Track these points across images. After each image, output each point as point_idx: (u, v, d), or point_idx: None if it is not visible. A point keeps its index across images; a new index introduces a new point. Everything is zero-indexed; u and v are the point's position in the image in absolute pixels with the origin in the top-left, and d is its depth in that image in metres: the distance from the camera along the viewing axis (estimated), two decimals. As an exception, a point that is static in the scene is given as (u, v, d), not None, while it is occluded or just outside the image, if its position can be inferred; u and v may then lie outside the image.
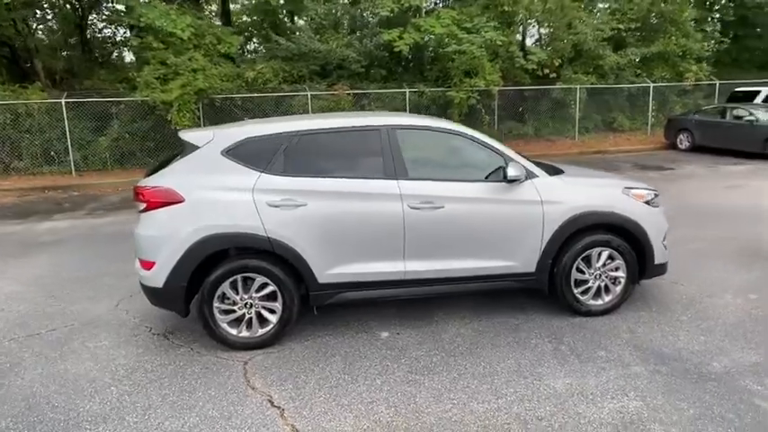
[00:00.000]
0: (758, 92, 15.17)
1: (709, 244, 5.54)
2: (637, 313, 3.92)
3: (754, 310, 3.94)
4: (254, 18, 19.42)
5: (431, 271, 3.68)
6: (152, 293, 3.58)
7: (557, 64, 16.14)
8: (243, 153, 3.55)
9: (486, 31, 14.34)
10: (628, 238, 3.85)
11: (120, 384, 3.20)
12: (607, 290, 3.91)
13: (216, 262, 3.47)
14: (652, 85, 17.15)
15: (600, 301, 3.91)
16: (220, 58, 14.39)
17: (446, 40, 14.46)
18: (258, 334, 3.58)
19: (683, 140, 14.58)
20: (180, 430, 2.73)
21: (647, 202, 3.95)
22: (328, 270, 3.55)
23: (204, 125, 12.76)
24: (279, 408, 2.91)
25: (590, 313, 3.88)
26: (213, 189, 3.47)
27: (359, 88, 15.19)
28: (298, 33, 15.43)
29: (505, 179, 3.61)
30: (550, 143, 16.31)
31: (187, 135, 3.68)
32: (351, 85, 14.94)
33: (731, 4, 18.94)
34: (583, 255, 3.80)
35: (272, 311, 3.58)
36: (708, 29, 18.04)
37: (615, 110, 17.77)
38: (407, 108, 15.17)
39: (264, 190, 3.48)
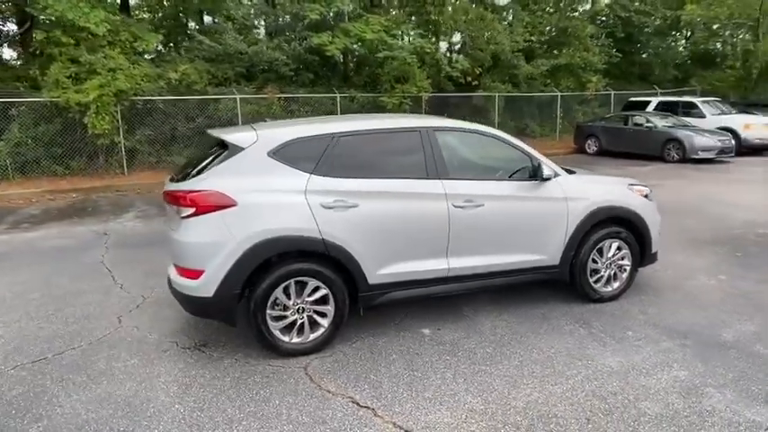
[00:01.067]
0: (649, 101, 17.27)
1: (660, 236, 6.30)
2: (639, 297, 4.40)
3: (729, 288, 4.60)
4: (159, 15, 18.25)
5: (471, 267, 3.84)
6: (198, 304, 3.36)
7: (477, 72, 17.16)
8: (289, 154, 3.46)
9: (413, 39, 14.86)
10: (632, 230, 4.31)
11: (184, 402, 2.98)
12: (615, 277, 4.34)
13: (267, 267, 3.35)
14: (560, 94, 18.82)
15: (609, 288, 4.33)
16: (137, 56, 13.38)
17: (377, 45, 14.74)
18: (310, 339, 3.50)
19: (591, 145, 16.18)
20: (278, 441, 2.63)
21: (646, 197, 4.45)
22: (378, 270, 3.58)
23: (124, 130, 11.82)
24: (368, 408, 2.90)
25: (602, 299, 4.29)
26: (265, 192, 3.35)
27: (287, 92, 14.95)
28: (224, 34, 14.79)
29: (541, 178, 3.89)
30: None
31: (230, 136, 3.50)
32: (279, 89, 14.68)
33: (619, 22, 21.31)
34: (597, 246, 4.19)
35: (322, 315, 3.52)
36: (602, 44, 20.12)
37: (527, 117, 19.23)
38: (338, 112, 15.22)
39: (316, 191, 3.42)
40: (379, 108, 15.54)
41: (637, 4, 21.23)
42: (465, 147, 4.05)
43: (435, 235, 3.70)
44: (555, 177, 4.03)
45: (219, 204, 3.24)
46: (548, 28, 18.73)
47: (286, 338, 3.45)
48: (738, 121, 15.09)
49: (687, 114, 15.86)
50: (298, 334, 3.47)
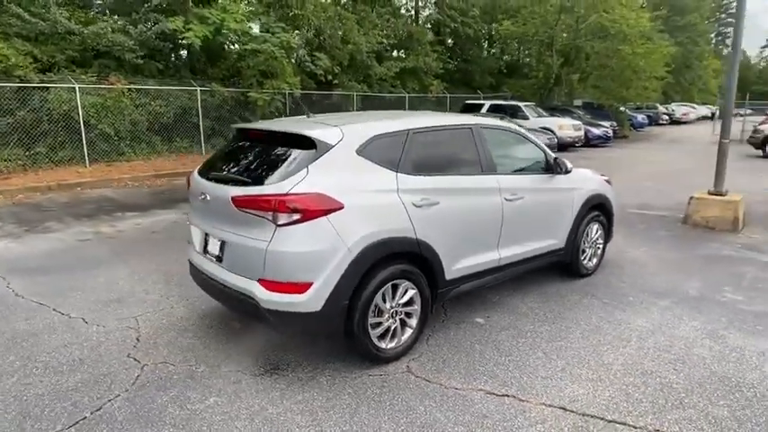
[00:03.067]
0: (483, 104, 19.65)
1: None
2: (608, 270, 5.23)
3: (657, 257, 5.75)
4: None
5: (513, 256, 4.14)
6: (302, 320, 3.00)
7: (336, 71, 17.42)
8: (373, 152, 3.30)
9: (275, 32, 14.41)
10: (605, 213, 5.11)
11: (327, 428, 2.68)
12: (595, 254, 5.10)
13: (371, 273, 3.16)
14: (407, 95, 20.23)
15: (591, 264, 5.06)
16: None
17: (241, 36, 13.98)
18: (402, 342, 3.41)
19: (443, 142, 17.80)
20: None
21: (608, 183, 5.30)
22: (453, 266, 3.65)
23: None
24: (507, 395, 2.99)
25: (588, 274, 5.00)
26: (363, 192, 3.15)
27: (131, 82, 13.23)
28: (49, 8, 12.32)
29: (565, 171, 4.38)
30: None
31: (313, 132, 3.16)
32: (124, 78, 12.91)
33: (448, 31, 23.72)
34: (586, 229, 4.88)
35: (410, 316, 3.46)
36: (436, 50, 22.16)
37: (378, 115, 20.23)
38: (199, 108, 14.04)
39: (406, 190, 3.34)
40: (243, 105, 14.76)
41: (461, 19, 23.89)
42: (500, 143, 4.31)
43: (493, 227, 3.91)
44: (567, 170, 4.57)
45: (327, 208, 2.95)
46: (396, 33, 19.87)
47: (383, 345, 3.30)
48: (554, 122, 18.23)
49: (514, 116, 18.51)
50: (391, 339, 3.35)
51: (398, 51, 20.83)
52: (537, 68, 24.72)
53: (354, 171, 3.18)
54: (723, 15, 69.52)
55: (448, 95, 22.49)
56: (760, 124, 17.64)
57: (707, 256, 5.82)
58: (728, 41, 74.98)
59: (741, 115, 30.12)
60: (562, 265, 4.87)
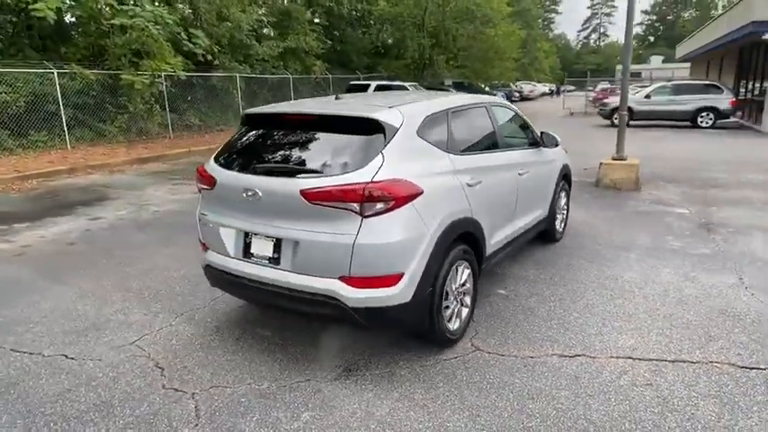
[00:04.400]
0: (368, 84, 19.80)
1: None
2: (570, 232, 5.74)
3: (603, 217, 6.45)
4: None
5: (521, 228, 4.33)
6: (394, 314, 2.83)
7: (216, 50, 16.17)
8: (427, 133, 3.20)
9: (144, 6, 12.87)
10: (568, 182, 5.58)
11: (441, 416, 2.60)
12: (563, 220, 5.55)
13: (445, 256, 3.08)
14: (291, 76, 19.57)
15: (561, 229, 5.51)
16: None
17: (104, 9, 12.27)
18: (462, 322, 3.41)
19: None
20: (565, 417, 2.70)
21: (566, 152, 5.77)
22: (490, 241, 3.72)
23: None
24: (579, 355, 3.18)
25: (559, 239, 5.44)
26: (431, 175, 3.03)
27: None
28: None
29: (555, 144, 4.65)
30: (222, 132, 16.34)
31: (379, 115, 2.93)
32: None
33: (323, 11, 23.32)
34: (559, 196, 5.28)
35: (465, 295, 3.46)
36: (313, 29, 21.68)
37: (261, 100, 19.28)
38: (58, 94, 12.12)
39: (459, 171, 3.30)
40: (113, 89, 13.04)
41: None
42: (504, 119, 4.40)
43: (511, 202, 4.05)
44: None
45: (412, 194, 2.80)
46: (273, 11, 18.96)
47: (451, 327, 3.27)
48: (438, 100, 19.07)
49: (399, 96, 18.97)
50: (455, 320, 3.33)
51: (277, 31, 19.93)
52: (411, 49, 25.55)
53: (420, 154, 3.05)
54: (548, 2, 78.51)
55: (330, 76, 22.24)
56: (604, 98, 20.51)
57: (634, 212, 6.69)
58: (553, 26, 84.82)
59: (568, 92, 34.58)
60: (540, 234, 5.23)
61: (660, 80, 21.76)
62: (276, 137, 3.22)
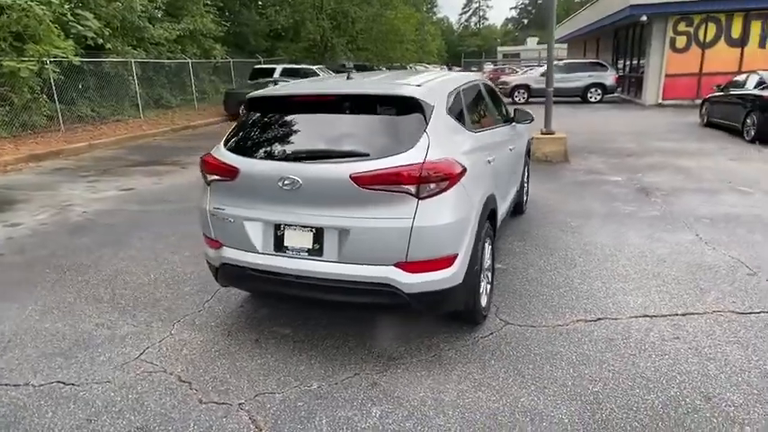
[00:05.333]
0: (274, 68, 19.03)
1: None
2: (531, 201, 6.03)
3: (545, 186, 6.83)
4: None
5: (510, 202, 4.46)
6: (448, 296, 2.77)
7: (107, 33, 14.54)
8: (451, 110, 3.14)
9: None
10: (529, 156, 5.83)
11: (510, 391, 2.62)
12: (525, 192, 5.80)
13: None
14: (190, 61, 18.19)
15: (524, 201, 5.76)
16: None
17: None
18: (488, 297, 3.44)
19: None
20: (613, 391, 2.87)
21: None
22: (498, 217, 3.79)
23: None
24: (602, 319, 3.36)
25: (524, 211, 5.69)
26: (465, 153, 2.98)
27: None
28: None
29: (531, 120, 4.80)
30: (120, 123, 14.82)
31: (417, 92, 2.80)
32: None
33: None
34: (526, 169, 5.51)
35: (488, 270, 3.50)
36: (209, 11, 20.23)
37: (158, 86, 17.78)
38: None
39: (481, 148, 3.31)
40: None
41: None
42: (489, 97, 4.44)
43: (509, 176, 4.15)
44: (515, 120, 5.02)
45: (461, 172, 2.74)
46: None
47: (483, 304, 3.29)
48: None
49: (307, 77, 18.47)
50: (483, 297, 3.35)
51: (171, 13, 18.31)
52: (311, 32, 24.92)
53: (452, 132, 3.00)
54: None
55: (231, 60, 21.02)
56: (497, 78, 21.64)
57: (574, 182, 7.19)
58: (435, 9, 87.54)
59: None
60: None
61: (537, 60, 23.45)
62: (302, 121, 2.97)
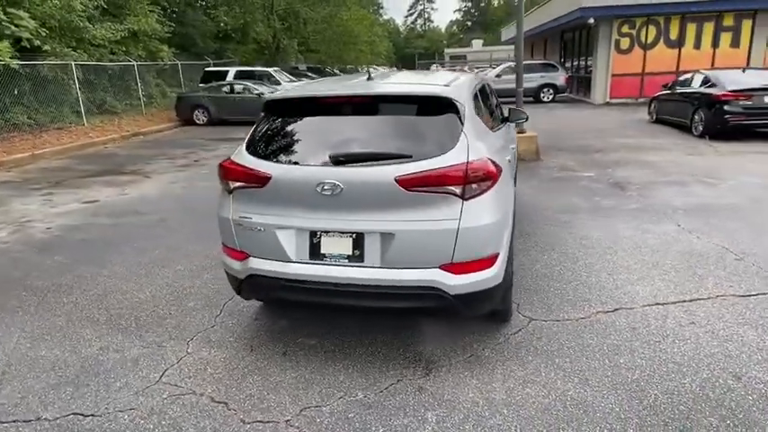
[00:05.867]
0: (227, 71, 18.50)
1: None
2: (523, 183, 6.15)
3: (527, 183, 7.00)
4: None
5: (510, 199, 4.54)
6: (489, 296, 2.76)
7: (43, 34, 13.62)
8: (476, 110, 3.15)
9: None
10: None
11: (556, 385, 2.66)
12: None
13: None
14: (135, 63, 17.35)
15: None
16: None
17: None
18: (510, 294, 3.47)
19: (200, 116, 16.25)
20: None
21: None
22: (510, 214, 3.84)
23: None
24: (618, 309, 3.47)
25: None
26: (494, 152, 2.99)
27: None
28: None
29: (526, 119, 4.88)
30: (63, 131, 13.92)
31: (450, 92, 2.78)
32: None
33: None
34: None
35: (506, 269, 3.53)
36: (152, 10, 19.34)
37: (100, 90, 16.84)
38: None
39: (500, 147, 3.33)
40: None
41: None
42: (491, 98, 4.46)
43: (512, 174, 4.20)
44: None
45: (499, 171, 2.75)
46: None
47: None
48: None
49: (262, 80, 18.03)
50: (508, 294, 3.38)
51: (112, 13, 17.35)
52: (262, 33, 24.41)
53: (481, 132, 3.00)
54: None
55: (179, 62, 20.24)
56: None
57: (552, 179, 7.41)
58: (382, 11, 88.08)
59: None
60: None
61: (484, 62, 24.10)
62: (332, 123, 2.88)
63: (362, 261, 2.67)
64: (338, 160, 2.64)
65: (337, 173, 2.59)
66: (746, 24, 16.24)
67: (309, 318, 3.48)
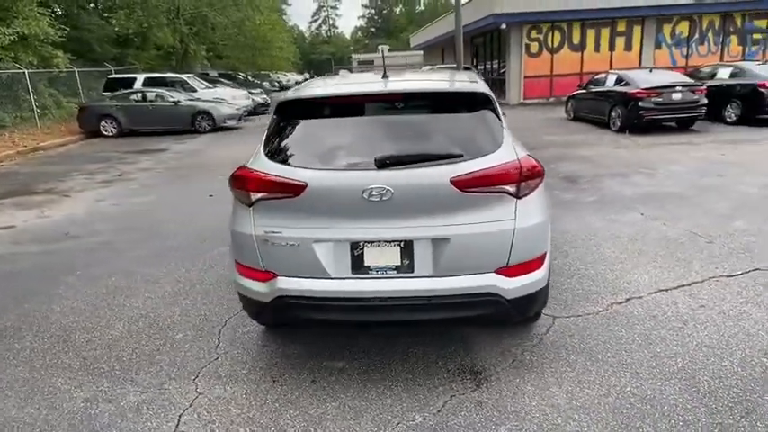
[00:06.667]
0: (134, 78, 17.09)
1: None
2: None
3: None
4: None
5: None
6: (538, 299, 2.65)
7: None
8: (497, 108, 3.06)
9: None
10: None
11: (610, 381, 2.62)
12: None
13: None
14: (27, 71, 15.50)
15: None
16: None
17: None
18: (529, 295, 3.42)
19: (108, 127, 14.86)
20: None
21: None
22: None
23: None
24: (633, 298, 3.54)
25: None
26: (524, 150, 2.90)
27: None
28: None
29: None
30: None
31: (485, 89, 2.63)
32: None
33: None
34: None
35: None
36: (45, 13, 17.41)
37: (-16, 102, 14.87)
38: None
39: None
40: None
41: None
42: None
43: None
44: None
45: (543, 170, 2.65)
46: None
47: (535, 301, 3.25)
48: (226, 93, 17.74)
49: (173, 87, 16.85)
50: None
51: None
52: (168, 38, 22.89)
53: (510, 130, 2.89)
54: (281, -7, 79.53)
55: (76, 70, 18.36)
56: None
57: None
58: (285, 18, 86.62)
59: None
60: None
61: (398, 66, 24.52)
62: (366, 123, 2.62)
63: (412, 271, 2.45)
64: (383, 163, 2.40)
65: (385, 177, 2.35)
66: (637, 30, 17.92)
67: (322, 339, 3.18)
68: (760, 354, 2.83)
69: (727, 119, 11.19)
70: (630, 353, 2.90)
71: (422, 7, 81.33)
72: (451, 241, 2.40)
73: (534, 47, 17.97)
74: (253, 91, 21.16)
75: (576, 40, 18.02)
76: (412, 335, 3.14)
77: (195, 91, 17.05)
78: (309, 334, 3.24)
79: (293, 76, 49.37)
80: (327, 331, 3.25)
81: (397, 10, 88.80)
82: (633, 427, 2.32)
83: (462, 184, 2.35)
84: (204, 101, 15.59)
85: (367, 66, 58.49)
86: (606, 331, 3.14)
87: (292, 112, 2.70)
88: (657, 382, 2.63)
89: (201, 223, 5.75)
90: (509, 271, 2.49)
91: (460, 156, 2.42)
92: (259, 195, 2.49)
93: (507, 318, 2.66)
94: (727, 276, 3.82)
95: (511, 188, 2.43)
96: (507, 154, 2.47)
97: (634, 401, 2.49)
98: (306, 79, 49.51)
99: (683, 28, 17.96)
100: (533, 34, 17.82)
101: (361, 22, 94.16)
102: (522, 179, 2.44)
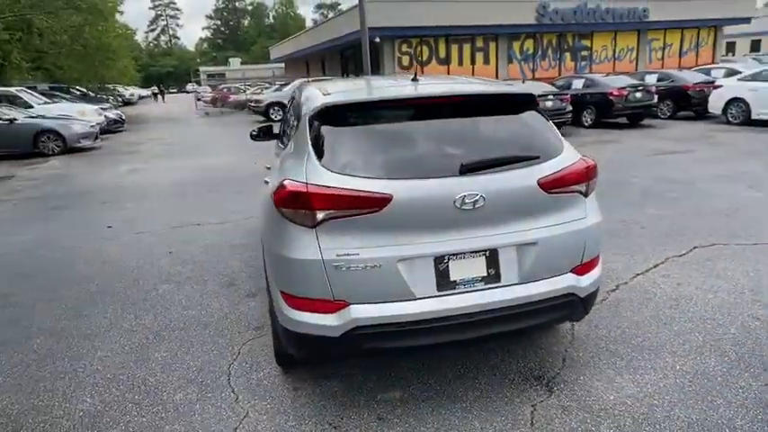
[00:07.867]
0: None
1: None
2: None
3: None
4: None
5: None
6: (597, 294, 2.66)
7: None
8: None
9: None
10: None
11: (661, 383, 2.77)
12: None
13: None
14: None
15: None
16: None
17: None
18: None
19: None
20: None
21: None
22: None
23: None
24: (620, 285, 3.80)
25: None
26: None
27: None
28: None
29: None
30: None
31: (527, 89, 2.57)
32: None
33: None
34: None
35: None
36: None
37: None
38: None
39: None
40: None
41: None
42: None
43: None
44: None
45: (595, 169, 2.70)
46: None
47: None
48: (74, 108, 15.46)
49: (10, 104, 14.33)
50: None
51: None
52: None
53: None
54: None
55: None
56: (227, 98, 21.23)
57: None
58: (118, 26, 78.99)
59: (170, 92, 33.99)
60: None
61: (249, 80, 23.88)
62: (427, 127, 2.43)
63: (499, 281, 2.31)
64: (469, 168, 2.21)
65: (477, 182, 2.18)
66: (492, 46, 19.79)
67: (358, 371, 2.85)
68: (750, 318, 3.21)
69: (585, 123, 12.87)
70: (656, 335, 3.09)
71: (271, 20, 80.00)
72: (539, 245, 2.32)
73: (405, 59, 18.81)
74: (104, 106, 18.81)
75: (442, 54, 19.26)
76: (448, 353, 2.97)
77: (31, 107, 14.60)
78: (337, 366, 2.89)
79: (135, 90, 45.05)
80: (355, 362, 2.92)
81: (246, 22, 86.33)
82: (710, 402, 2.45)
83: (548, 185, 2.29)
84: (49, 118, 13.40)
85: (218, 79, 55.86)
86: (622, 318, 3.31)
87: (342, 118, 2.37)
88: (696, 357, 2.83)
89: (116, 259, 4.87)
90: (581, 269, 2.49)
91: (537, 157, 2.36)
92: (328, 213, 2.13)
93: (576, 318, 2.65)
94: (680, 256, 4.31)
95: (582, 187, 2.43)
96: (573, 153, 2.48)
97: (694, 380, 2.64)
98: (156, 94, 45.34)
99: (529, 45, 20.28)
100: (404, 48, 18.65)
101: (207, 34, 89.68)
102: (589, 178, 2.46)
